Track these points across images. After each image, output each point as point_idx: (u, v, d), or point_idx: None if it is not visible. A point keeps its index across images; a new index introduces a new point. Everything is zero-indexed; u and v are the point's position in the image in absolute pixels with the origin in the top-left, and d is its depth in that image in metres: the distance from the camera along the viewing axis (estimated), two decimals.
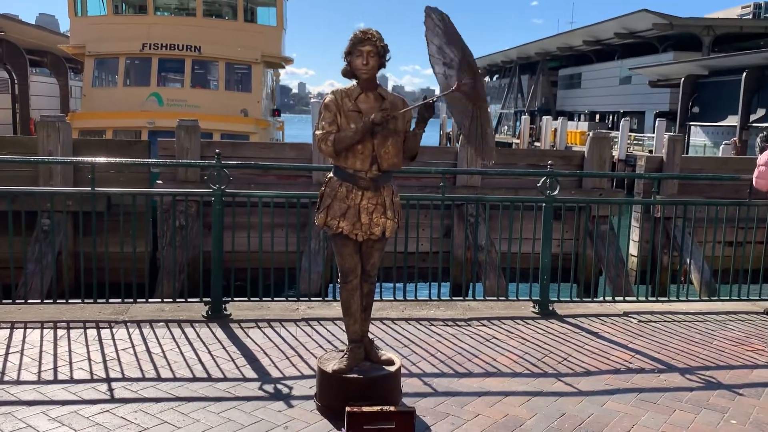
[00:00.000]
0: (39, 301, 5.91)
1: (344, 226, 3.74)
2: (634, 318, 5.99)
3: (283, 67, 27.90)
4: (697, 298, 7.11)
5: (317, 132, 3.71)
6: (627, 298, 6.82)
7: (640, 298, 6.68)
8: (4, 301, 5.63)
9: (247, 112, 22.13)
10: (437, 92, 3.84)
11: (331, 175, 3.83)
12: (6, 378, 4.21)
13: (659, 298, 6.65)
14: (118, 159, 7.37)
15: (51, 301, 5.75)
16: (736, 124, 32.37)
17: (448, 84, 3.75)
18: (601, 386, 4.41)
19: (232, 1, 23.85)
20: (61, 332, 5.04)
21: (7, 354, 4.59)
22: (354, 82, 3.78)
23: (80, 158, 7.33)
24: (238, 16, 23.56)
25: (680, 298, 6.69)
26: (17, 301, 5.73)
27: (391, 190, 3.86)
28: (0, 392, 3.99)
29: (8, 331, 5.03)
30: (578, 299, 6.50)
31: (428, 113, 3.73)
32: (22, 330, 5.05)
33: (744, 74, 31.84)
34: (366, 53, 3.65)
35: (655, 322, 5.91)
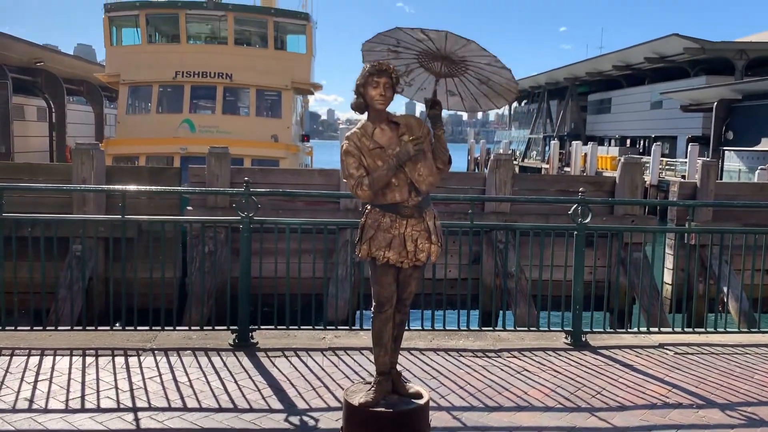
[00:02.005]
0: (69, 327, 5.95)
1: (390, 256, 3.69)
2: (670, 350, 5.80)
3: (312, 93, 28.24)
4: (737, 330, 6.87)
5: (348, 180, 3.66)
6: (662, 329, 6.63)
7: (675, 329, 6.47)
8: (35, 328, 5.69)
9: (278, 137, 22.38)
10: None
11: (370, 206, 3.77)
12: (34, 406, 4.22)
13: (696, 329, 6.44)
14: (148, 187, 7.47)
15: (80, 328, 5.79)
16: None
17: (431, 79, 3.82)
18: (637, 422, 4.26)
19: (262, 29, 24.27)
20: (89, 359, 5.05)
21: (36, 381, 4.61)
22: (364, 117, 3.74)
23: (111, 186, 7.44)
24: (269, 44, 23.95)
25: (718, 330, 6.47)
26: (48, 328, 5.78)
27: (432, 214, 3.82)
28: (28, 421, 4.00)
29: (38, 358, 5.06)
30: (612, 330, 6.32)
31: (435, 111, 3.70)
32: (52, 357, 5.08)
33: None
34: (383, 84, 3.63)
35: (692, 354, 5.72)
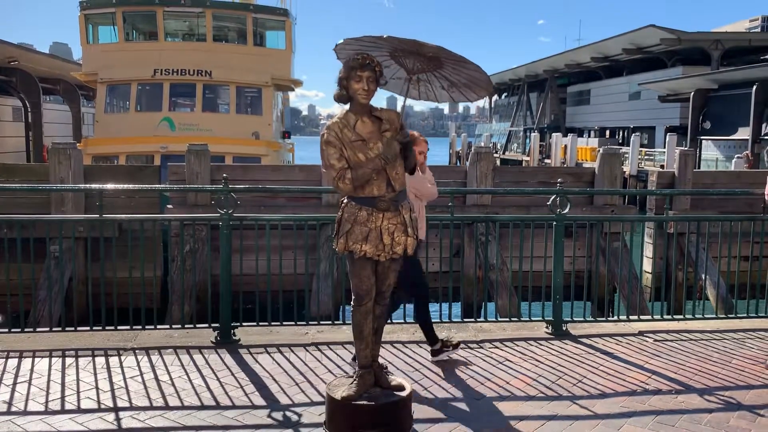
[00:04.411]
0: (48, 329, 5.89)
1: (367, 249, 3.70)
2: (649, 337, 5.87)
3: (293, 90, 28.12)
4: (714, 316, 6.97)
5: (329, 171, 3.66)
6: (642, 317, 6.71)
7: (655, 317, 6.55)
8: (13, 330, 5.62)
9: (258, 134, 22.27)
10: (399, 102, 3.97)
11: (347, 200, 3.79)
12: (13, 408, 4.17)
13: (675, 317, 6.53)
14: (125, 185, 7.39)
15: (60, 329, 5.73)
16: (747, 138, 32.13)
17: (404, 78, 3.86)
18: (617, 409, 4.31)
19: (241, 25, 24.11)
20: (69, 360, 5.01)
21: (15, 384, 4.55)
22: (345, 107, 3.75)
23: (87, 186, 7.36)
24: (248, 41, 23.80)
25: (696, 316, 6.56)
26: (26, 330, 5.71)
27: (408, 208, 3.84)
28: (7, 423, 3.95)
29: (17, 360, 5.00)
30: (592, 319, 6.38)
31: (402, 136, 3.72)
32: (31, 359, 5.02)
33: (754, 87, 31.67)
34: (366, 78, 3.64)
35: (671, 341, 5.80)
